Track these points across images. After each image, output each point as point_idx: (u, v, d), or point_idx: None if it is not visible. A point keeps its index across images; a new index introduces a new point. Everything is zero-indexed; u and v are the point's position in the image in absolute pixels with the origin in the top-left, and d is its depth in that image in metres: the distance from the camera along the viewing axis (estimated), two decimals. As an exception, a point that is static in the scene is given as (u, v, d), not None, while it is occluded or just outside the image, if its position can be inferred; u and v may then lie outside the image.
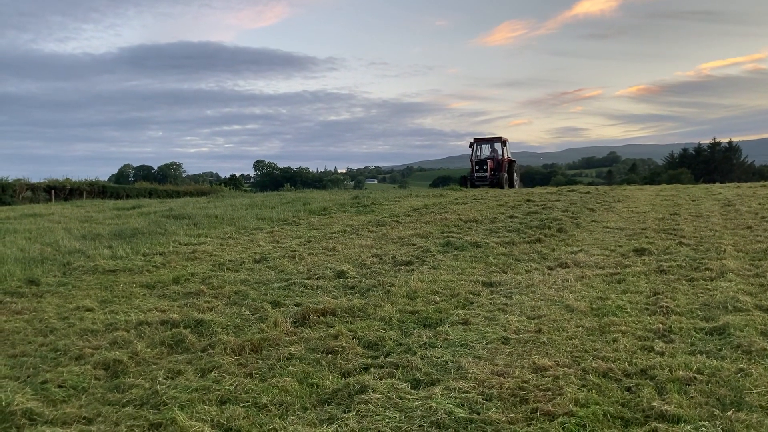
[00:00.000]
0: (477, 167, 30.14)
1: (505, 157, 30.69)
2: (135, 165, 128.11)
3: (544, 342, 5.29)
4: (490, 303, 6.60)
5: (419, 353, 5.08)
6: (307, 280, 7.82)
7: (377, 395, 4.23)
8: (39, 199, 36.55)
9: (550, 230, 11.20)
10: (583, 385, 4.33)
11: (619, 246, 9.66)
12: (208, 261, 9.45)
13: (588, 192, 19.51)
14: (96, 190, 40.32)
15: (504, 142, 30.95)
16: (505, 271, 8.13)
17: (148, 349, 5.34)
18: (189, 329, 5.83)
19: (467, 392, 4.28)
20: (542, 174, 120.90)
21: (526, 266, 8.38)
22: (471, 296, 6.87)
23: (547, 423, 3.79)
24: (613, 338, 5.31)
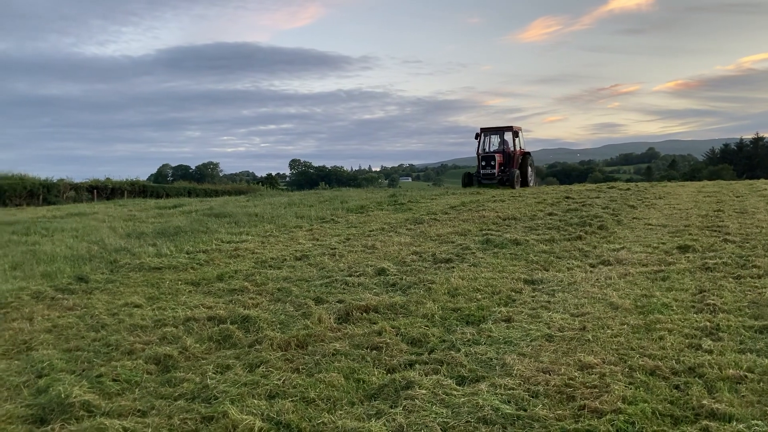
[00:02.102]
0: (483, 163, 25.87)
1: (518, 149, 26.47)
2: (173, 165, 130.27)
3: (588, 339, 5.27)
4: (533, 300, 6.59)
5: (463, 350, 5.10)
6: (348, 277, 7.89)
7: (423, 391, 4.27)
8: (82, 199, 37.46)
9: (591, 227, 11.10)
10: (630, 383, 4.31)
11: (662, 243, 9.53)
12: (251, 258, 9.60)
13: (628, 189, 19.24)
14: (137, 190, 41.15)
15: (516, 132, 26.62)
16: (547, 269, 8.10)
17: (197, 345, 5.47)
18: (236, 325, 5.95)
19: (513, 389, 4.30)
20: (579, 171, 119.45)
21: (568, 264, 8.33)
22: (513, 294, 6.87)
23: (596, 420, 3.78)
24: (660, 336, 5.26)
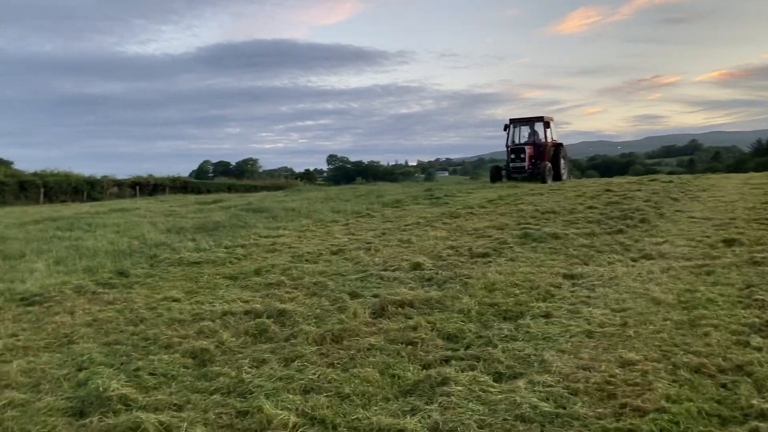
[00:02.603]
0: (513, 155, 24.66)
1: (549, 141, 25.10)
2: (214, 161, 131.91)
3: (630, 336, 5.12)
4: (572, 296, 6.45)
5: (500, 346, 5.01)
6: (383, 272, 7.85)
7: (459, 387, 4.20)
8: (125, 195, 38.31)
9: (632, 221, 10.86)
10: (674, 381, 4.17)
11: (707, 237, 9.25)
12: (287, 253, 9.63)
13: (670, 181, 18.81)
14: (178, 186, 41.92)
15: (547, 123, 25.19)
16: (587, 263, 7.93)
17: (233, 339, 5.49)
18: (272, 319, 5.96)
19: (552, 386, 4.20)
20: (620, 163, 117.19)
21: (609, 258, 8.14)
22: (552, 289, 6.73)
23: (638, 419, 3.67)
24: (705, 332, 5.09)
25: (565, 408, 3.88)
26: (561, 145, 25.70)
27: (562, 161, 25.07)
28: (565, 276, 7.27)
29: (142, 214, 16.52)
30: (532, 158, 24.47)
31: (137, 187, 40.02)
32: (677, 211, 12.14)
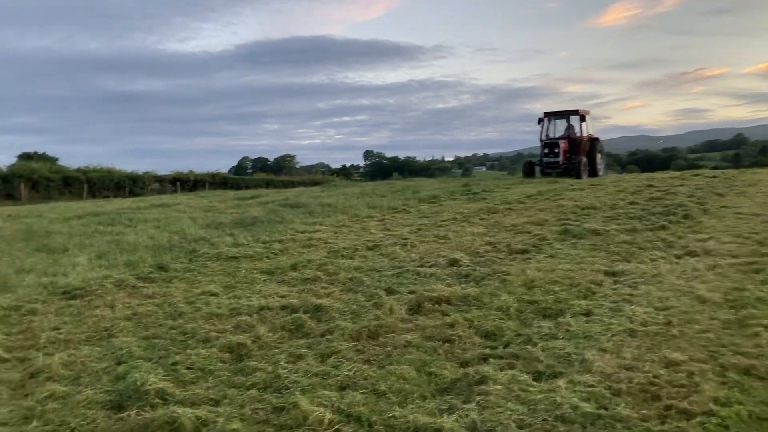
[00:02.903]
0: (546, 150, 23.84)
1: (585, 135, 24.30)
2: (252, 157, 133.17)
3: (675, 335, 4.97)
4: (614, 293, 6.29)
5: (540, 344, 4.90)
6: (419, 268, 7.78)
7: (498, 386, 4.12)
8: (166, 190, 38.98)
9: (676, 216, 10.58)
10: (722, 383, 4.02)
11: (755, 233, 8.95)
12: (324, 248, 9.63)
13: (714, 176, 18.31)
14: (217, 181, 42.52)
15: (583, 116, 24.44)
16: (629, 260, 7.74)
17: (270, 334, 5.49)
18: (308, 314, 5.94)
19: (593, 386, 4.08)
20: (661, 158, 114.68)
21: (651, 255, 7.93)
22: (593, 286, 6.58)
23: (684, 422, 3.54)
24: (754, 332, 4.90)
25: (607, 409, 3.76)
26: (597, 139, 24.94)
27: (598, 156, 24.34)
28: (606, 273, 7.09)
29: (182, 209, 16.74)
30: (566, 153, 23.69)
31: (178, 183, 40.70)
32: (722, 206, 11.80)
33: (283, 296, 6.79)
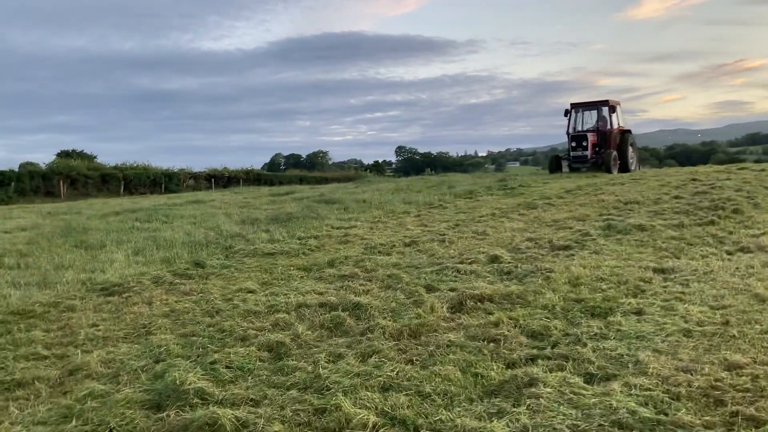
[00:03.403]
0: (574, 143, 22.54)
1: (615, 127, 22.95)
2: (285, 154, 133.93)
3: (734, 336, 4.70)
4: (665, 291, 6.02)
5: (590, 345, 4.69)
6: (459, 265, 7.59)
7: (548, 389, 3.92)
8: (200, 187, 39.33)
9: (725, 211, 10.18)
10: (791, 388, 3.76)
11: (810, 229, 8.56)
12: (360, 244, 9.50)
13: (762, 170, 17.68)
14: (251, 178, 42.74)
15: (613, 107, 23.00)
16: (678, 257, 7.44)
17: (309, 332, 5.36)
18: (347, 312, 5.80)
19: (650, 390, 3.86)
20: (700, 152, 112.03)
21: (701, 251, 7.62)
22: (642, 284, 6.31)
23: (752, 429, 3.31)
24: (820, 334, 4.62)
25: (666, 414, 3.55)
26: (629, 131, 23.58)
27: (629, 149, 22.94)
28: (655, 270, 6.82)
29: (217, 205, 16.79)
30: (595, 146, 22.45)
31: (212, 180, 41.03)
32: (773, 201, 11.34)
33: (320, 293, 6.67)
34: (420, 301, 6.11)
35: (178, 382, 4.26)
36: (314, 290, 6.82)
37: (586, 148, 22.17)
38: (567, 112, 23.48)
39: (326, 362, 4.67)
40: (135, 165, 38.93)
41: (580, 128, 23.43)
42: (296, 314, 5.93)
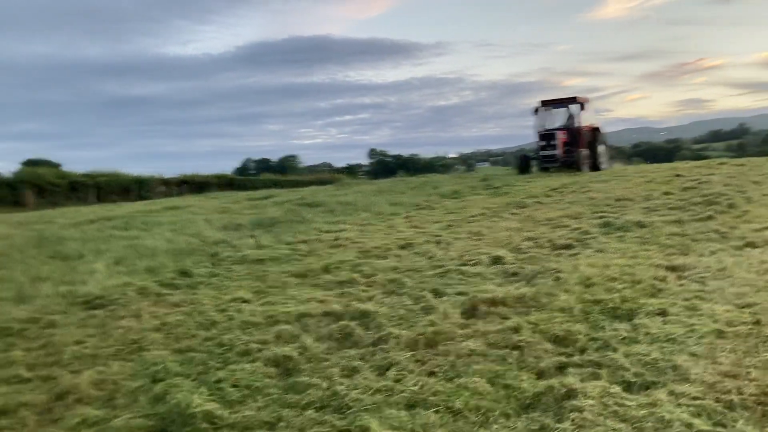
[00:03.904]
0: (543, 142, 21.58)
1: (585, 125, 22.08)
2: (256, 158, 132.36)
3: (769, 336, 4.47)
4: (683, 290, 5.78)
5: (621, 350, 4.41)
6: (462, 267, 7.28)
7: (590, 401, 3.63)
8: (172, 193, 38.52)
9: (720, 206, 10.04)
10: None
11: (810, 221, 8.43)
12: (353, 248, 9.13)
13: (743, 164, 17.73)
14: (224, 183, 41.94)
15: (582, 104, 22.20)
16: (686, 253, 7.22)
17: (317, 344, 5.00)
18: (355, 321, 5.44)
19: (698, 398, 3.60)
20: (665, 150, 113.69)
21: (709, 247, 7.42)
22: (657, 282, 6.06)
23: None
24: None
25: (725, 426, 3.29)
26: (599, 129, 22.72)
27: (600, 147, 22.14)
28: (667, 268, 6.58)
29: (196, 211, 16.27)
30: (565, 145, 21.42)
31: (185, 185, 40.21)
32: (765, 195, 11.25)
33: (321, 301, 6.30)
34: (429, 306, 5.80)
35: (182, 404, 3.89)
36: (314, 298, 6.45)
37: (555, 147, 21.28)
38: (536, 110, 22.62)
39: (341, 377, 4.32)
40: (106, 172, 37.92)
41: (549, 126, 22.56)
42: (299, 325, 5.55)
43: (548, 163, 21.58)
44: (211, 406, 3.89)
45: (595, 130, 22.47)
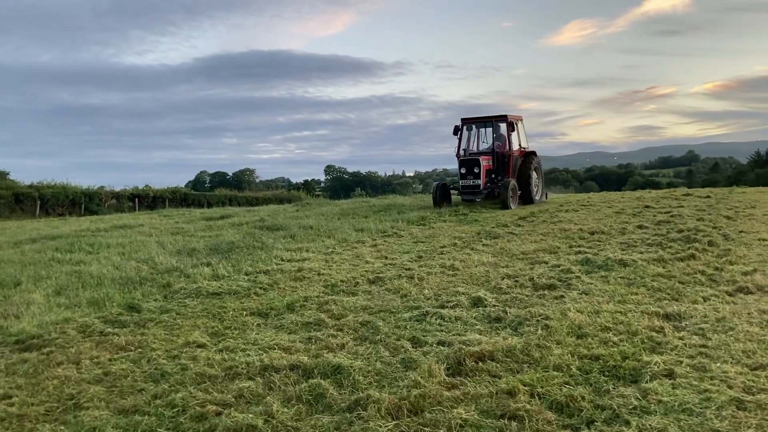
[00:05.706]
0: (464, 170, 18.09)
1: (516, 149, 18.67)
2: (211, 171, 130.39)
3: (798, 409, 4.00)
4: (683, 344, 5.30)
5: (634, 423, 3.88)
6: (440, 309, 6.70)
7: (613, 496, 3.08)
8: (123, 207, 37.16)
9: (700, 243, 9.73)
10: None
11: (795, 264, 8.15)
12: (318, 281, 8.48)
13: (708, 196, 17.74)
14: (178, 198, 40.74)
15: (512, 124, 18.52)
16: (677, 299, 6.80)
17: (284, 409, 4.33)
18: (327, 379, 4.79)
19: (737, 494, 3.08)
20: (618, 175, 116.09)
21: (700, 292, 7.01)
22: (654, 334, 5.58)
23: None
24: None
25: None
26: (534, 153, 19.29)
27: (533, 175, 18.79)
28: (660, 316, 6.13)
29: (147, 231, 15.36)
30: (489, 173, 18.28)
31: (136, 200, 38.86)
32: (741, 231, 11.02)
33: (286, 349, 5.64)
34: (410, 359, 5.19)
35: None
36: (278, 344, 5.77)
37: (478, 176, 17.83)
38: (457, 130, 18.88)
39: (315, 455, 3.67)
40: (53, 183, 36.29)
41: (474, 149, 19.31)
42: (263, 381, 4.88)
43: (469, 195, 18.36)
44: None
45: (528, 155, 19.13)
